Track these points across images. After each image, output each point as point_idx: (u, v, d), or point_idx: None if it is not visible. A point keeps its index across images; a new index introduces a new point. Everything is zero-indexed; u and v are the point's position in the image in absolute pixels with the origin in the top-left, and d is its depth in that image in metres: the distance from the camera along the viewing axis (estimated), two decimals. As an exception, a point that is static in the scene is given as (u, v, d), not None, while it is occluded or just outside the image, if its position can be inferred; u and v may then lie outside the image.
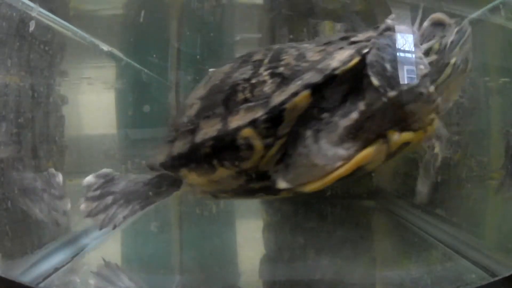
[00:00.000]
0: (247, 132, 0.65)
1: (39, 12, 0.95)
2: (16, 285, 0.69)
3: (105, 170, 0.93)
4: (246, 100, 0.67)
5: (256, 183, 0.72)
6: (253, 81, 0.68)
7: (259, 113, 0.64)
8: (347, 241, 1.08)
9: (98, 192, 0.88)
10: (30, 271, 0.79)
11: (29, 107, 0.98)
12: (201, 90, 0.79)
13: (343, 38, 0.68)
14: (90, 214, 0.86)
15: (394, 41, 0.62)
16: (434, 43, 0.65)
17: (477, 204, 1.03)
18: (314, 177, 0.63)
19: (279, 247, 1.09)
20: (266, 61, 0.70)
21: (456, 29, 0.66)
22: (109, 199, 0.87)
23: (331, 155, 0.62)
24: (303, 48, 0.70)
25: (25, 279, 0.76)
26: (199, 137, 0.71)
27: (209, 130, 0.70)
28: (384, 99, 0.60)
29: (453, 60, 0.65)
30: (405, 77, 0.60)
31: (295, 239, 1.12)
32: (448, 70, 0.65)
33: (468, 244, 0.93)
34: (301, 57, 0.67)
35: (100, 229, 0.86)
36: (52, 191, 0.91)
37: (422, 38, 0.64)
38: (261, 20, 1.67)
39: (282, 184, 0.66)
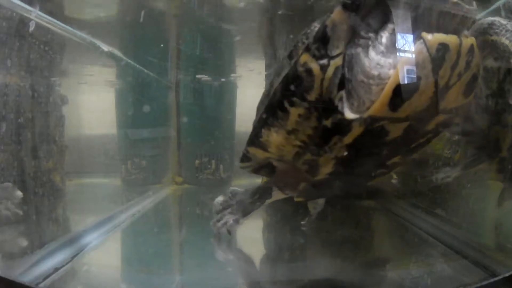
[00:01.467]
0: (303, 58, 0.72)
1: (37, 15, 0.95)
2: (16, 285, 0.69)
3: (232, 188, 1.09)
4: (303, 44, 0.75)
5: (327, 120, 0.76)
6: (308, 31, 0.76)
7: (308, 40, 0.72)
8: (347, 241, 1.08)
9: (221, 207, 1.07)
10: (30, 271, 0.79)
11: (29, 107, 0.98)
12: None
13: None
14: (214, 226, 1.04)
15: None
16: None
17: (477, 204, 1.03)
18: (375, 95, 0.68)
19: (279, 247, 1.09)
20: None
21: None
22: (227, 210, 1.06)
23: (382, 63, 0.67)
24: None
25: (25, 279, 0.76)
26: (272, 91, 0.81)
27: (278, 79, 0.79)
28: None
29: None
30: None
31: (295, 239, 1.13)
32: None
33: (468, 244, 0.93)
34: None
35: (218, 237, 1.03)
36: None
37: None
38: (261, 20, 1.67)
39: (349, 113, 0.71)
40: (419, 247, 1.02)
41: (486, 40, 0.77)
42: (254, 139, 0.91)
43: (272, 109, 0.82)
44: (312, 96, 0.75)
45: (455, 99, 0.74)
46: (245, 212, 1.05)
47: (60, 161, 1.15)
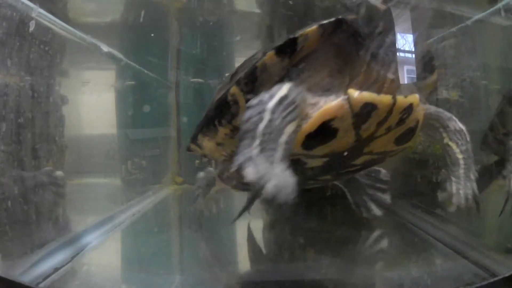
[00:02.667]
0: (233, 89, 0.75)
1: (38, 13, 0.95)
2: (16, 285, 0.69)
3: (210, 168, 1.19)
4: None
5: None
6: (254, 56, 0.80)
7: (241, 75, 0.75)
8: (347, 241, 1.08)
9: (204, 181, 1.17)
10: (30, 271, 0.79)
11: (29, 107, 0.98)
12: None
13: None
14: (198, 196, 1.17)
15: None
16: None
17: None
18: None
19: (279, 247, 1.09)
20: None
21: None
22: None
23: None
24: None
25: (25, 279, 0.76)
26: (210, 105, 0.86)
27: (216, 97, 0.84)
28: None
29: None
30: None
31: (295, 239, 1.12)
32: None
33: (468, 244, 0.93)
34: None
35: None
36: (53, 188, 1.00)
37: None
38: (261, 20, 1.67)
39: None
40: (419, 247, 1.02)
41: None
42: (193, 138, 0.96)
43: (206, 121, 0.87)
44: (236, 122, 0.78)
45: (384, 146, 0.77)
46: (205, 192, 1.17)
47: (60, 161, 1.15)
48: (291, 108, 0.64)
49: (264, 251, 1.08)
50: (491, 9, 0.99)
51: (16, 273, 0.77)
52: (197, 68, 1.83)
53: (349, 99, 0.67)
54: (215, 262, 0.97)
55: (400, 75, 0.68)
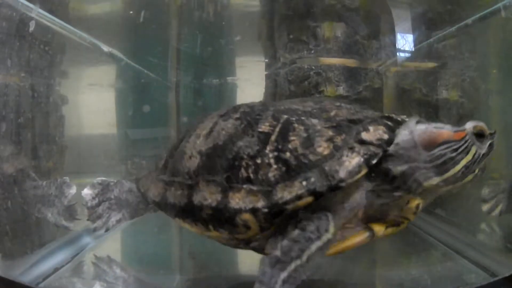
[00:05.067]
0: (247, 216, 0.66)
1: (38, 13, 0.95)
2: (16, 285, 0.69)
3: (99, 179, 1.03)
4: (249, 180, 0.68)
5: (246, 246, 0.75)
6: (258, 160, 0.68)
7: (260, 203, 0.65)
8: (347, 241, 1.08)
9: (96, 200, 1.00)
10: (30, 271, 0.79)
11: (29, 107, 0.98)
12: (201, 142, 0.77)
13: (352, 121, 0.69)
14: (90, 219, 0.99)
15: (433, 141, 0.65)
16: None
17: (477, 204, 1.03)
18: None
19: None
20: (273, 138, 0.69)
21: (489, 142, 0.66)
22: (105, 204, 1.01)
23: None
24: (310, 126, 0.69)
25: (25, 279, 0.76)
26: (198, 199, 0.72)
27: (208, 196, 0.71)
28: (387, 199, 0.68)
29: (476, 171, 0.67)
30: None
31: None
32: (469, 178, 0.67)
33: (468, 244, 0.93)
34: (309, 143, 0.67)
35: (94, 231, 0.98)
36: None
37: (459, 143, 0.65)
38: (261, 20, 1.67)
39: (270, 250, 0.69)
40: (419, 247, 1.02)
41: None
42: (163, 211, 0.87)
43: (193, 217, 0.78)
44: (240, 237, 0.73)
45: None
46: (134, 215, 1.01)
47: (60, 161, 1.15)
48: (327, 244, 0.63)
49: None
50: (491, 8, 0.99)
51: (16, 273, 0.77)
52: (197, 68, 1.83)
53: (373, 234, 0.68)
54: (215, 262, 0.96)
55: None
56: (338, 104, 0.77)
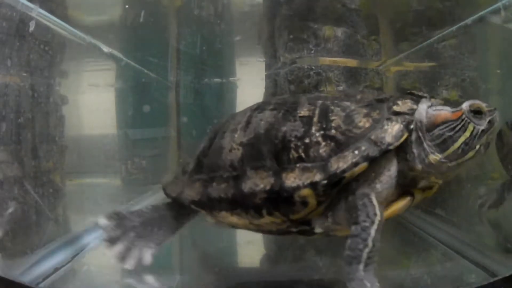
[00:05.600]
0: (306, 192, 0.70)
1: (38, 13, 0.95)
2: (16, 285, 0.69)
3: (114, 211, 0.89)
4: (300, 159, 0.72)
5: (296, 228, 0.78)
6: (306, 140, 0.73)
7: (318, 177, 0.70)
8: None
9: (118, 231, 0.86)
10: (30, 271, 0.79)
11: (29, 107, 0.98)
12: (239, 134, 0.80)
13: (379, 101, 0.76)
14: (119, 258, 0.84)
15: (432, 123, 0.72)
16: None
17: (477, 204, 1.03)
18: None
19: (279, 247, 1.09)
20: (315, 119, 0.75)
21: (488, 119, 0.71)
22: (131, 235, 0.86)
23: None
24: (346, 107, 0.76)
25: (25, 279, 0.76)
26: (248, 186, 0.75)
27: (260, 182, 0.74)
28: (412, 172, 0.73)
29: (478, 147, 0.71)
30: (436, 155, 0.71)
31: (295, 239, 1.12)
32: (471, 154, 0.71)
33: (468, 244, 0.93)
34: (350, 120, 0.73)
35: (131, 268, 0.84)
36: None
37: (456, 122, 0.71)
38: (261, 20, 1.67)
39: (319, 229, 0.76)
40: (419, 247, 1.02)
41: None
42: (205, 209, 0.86)
43: (244, 206, 0.79)
44: (295, 217, 0.76)
45: None
46: (170, 232, 0.91)
47: (60, 161, 1.15)
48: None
49: (264, 251, 1.08)
50: (491, 8, 0.99)
51: (16, 273, 0.77)
52: (197, 68, 1.83)
53: (413, 197, 0.76)
54: (215, 262, 0.96)
55: None
56: (356, 91, 0.84)
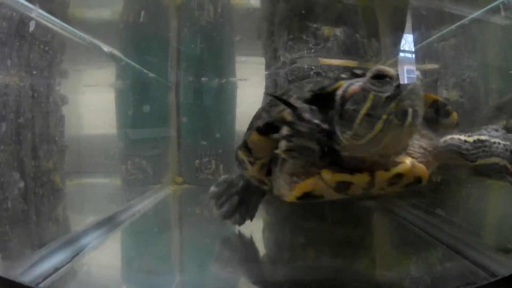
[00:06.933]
0: (239, 152, 0.87)
1: (38, 13, 0.95)
2: (16, 285, 0.69)
3: (223, 177, 1.07)
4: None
5: (265, 186, 0.91)
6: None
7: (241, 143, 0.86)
8: (347, 241, 1.08)
9: (224, 197, 1.03)
10: (30, 271, 0.79)
11: (29, 107, 0.98)
12: None
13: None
14: (225, 217, 1.02)
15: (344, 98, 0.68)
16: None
17: (477, 204, 1.03)
18: (287, 193, 0.80)
19: (279, 247, 1.09)
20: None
21: (395, 84, 0.62)
22: (235, 199, 1.02)
23: (287, 181, 0.79)
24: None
25: (25, 279, 0.76)
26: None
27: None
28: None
29: (386, 116, 0.62)
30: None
31: (295, 239, 1.12)
32: (379, 126, 0.63)
33: (468, 244, 0.93)
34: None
35: (239, 225, 1.03)
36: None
37: (359, 94, 0.65)
38: (261, 20, 1.67)
39: (276, 192, 0.87)
40: (419, 247, 1.02)
41: None
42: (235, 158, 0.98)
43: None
44: (248, 174, 0.91)
45: (390, 190, 0.78)
46: (258, 197, 1.04)
47: (60, 161, 1.15)
48: None
49: (264, 251, 1.08)
50: (490, 6, 0.99)
51: (16, 273, 0.77)
52: (197, 68, 1.83)
53: (322, 178, 0.73)
54: (215, 262, 0.96)
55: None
56: None
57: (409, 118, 0.62)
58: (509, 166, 0.74)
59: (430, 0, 1.33)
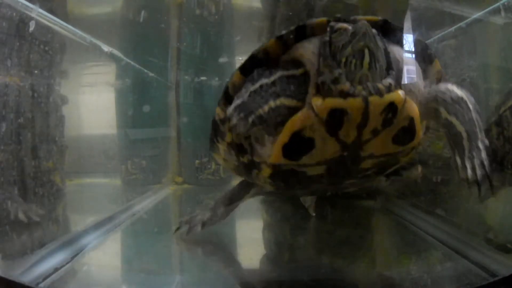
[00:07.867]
0: (217, 110, 0.83)
1: (38, 13, 0.95)
2: (16, 285, 0.69)
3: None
4: None
5: (243, 158, 0.84)
6: None
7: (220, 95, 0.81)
8: (347, 241, 1.08)
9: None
10: (30, 271, 0.79)
11: (29, 107, 0.98)
12: None
13: None
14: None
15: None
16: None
17: (477, 203, 1.03)
18: (271, 147, 0.73)
19: (279, 247, 1.09)
20: None
21: (350, 32, 0.66)
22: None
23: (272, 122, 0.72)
24: None
25: (25, 279, 0.76)
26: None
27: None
28: None
29: (343, 59, 0.66)
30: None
31: (295, 239, 1.12)
32: (342, 68, 0.66)
33: (468, 244, 0.93)
34: None
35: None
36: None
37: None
38: (261, 20, 1.67)
39: (256, 157, 0.79)
40: (419, 247, 1.02)
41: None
42: (209, 149, 0.98)
43: (211, 139, 0.92)
44: (227, 139, 0.84)
45: (382, 148, 0.72)
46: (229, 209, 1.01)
47: (60, 161, 1.15)
48: None
49: (264, 251, 1.08)
50: (491, 7, 0.99)
51: (16, 273, 0.77)
52: (197, 68, 1.83)
53: (313, 107, 0.67)
54: (215, 262, 0.96)
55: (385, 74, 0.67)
56: None
57: (367, 57, 0.65)
58: (464, 135, 0.72)
59: (430, 1, 1.33)
